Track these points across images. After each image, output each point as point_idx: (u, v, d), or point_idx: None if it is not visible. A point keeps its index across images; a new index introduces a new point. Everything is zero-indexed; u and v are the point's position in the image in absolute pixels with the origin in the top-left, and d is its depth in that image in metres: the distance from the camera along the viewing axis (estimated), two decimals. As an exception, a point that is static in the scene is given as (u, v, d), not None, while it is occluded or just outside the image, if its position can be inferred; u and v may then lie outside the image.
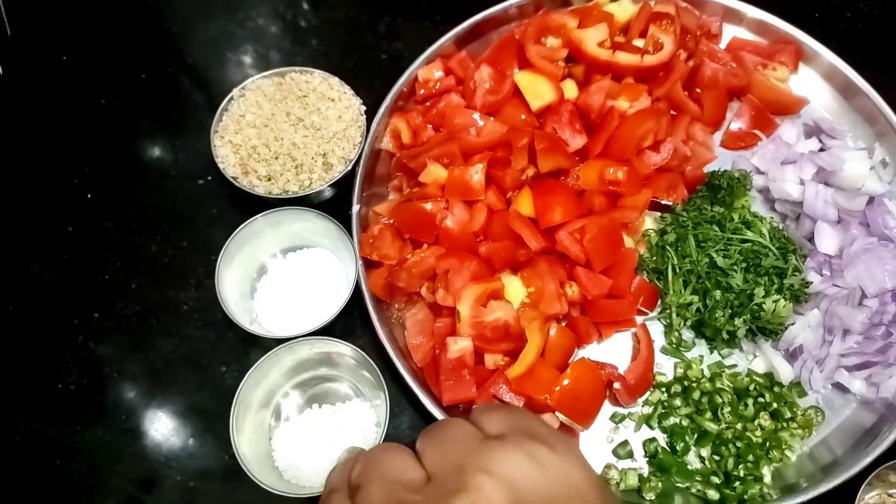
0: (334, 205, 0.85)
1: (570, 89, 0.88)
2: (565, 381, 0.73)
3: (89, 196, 0.90)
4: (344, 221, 0.81)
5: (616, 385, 0.77)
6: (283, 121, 0.84)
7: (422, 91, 0.91)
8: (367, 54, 1.00)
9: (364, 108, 0.87)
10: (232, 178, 0.82)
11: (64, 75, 0.99)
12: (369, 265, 0.81)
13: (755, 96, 0.92)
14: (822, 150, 0.89)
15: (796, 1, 1.03)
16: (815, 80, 0.95)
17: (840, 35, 1.01)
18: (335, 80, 0.88)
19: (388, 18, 1.03)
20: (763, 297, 0.76)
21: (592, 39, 0.87)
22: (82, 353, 0.82)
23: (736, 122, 0.92)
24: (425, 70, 0.91)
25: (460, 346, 0.74)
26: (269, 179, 0.82)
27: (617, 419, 0.78)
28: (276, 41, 1.02)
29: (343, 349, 0.75)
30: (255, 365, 0.72)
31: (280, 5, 1.04)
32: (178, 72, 0.99)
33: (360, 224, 0.83)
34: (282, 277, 0.83)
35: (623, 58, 0.87)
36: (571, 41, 0.88)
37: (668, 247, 0.81)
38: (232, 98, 0.86)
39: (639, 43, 0.91)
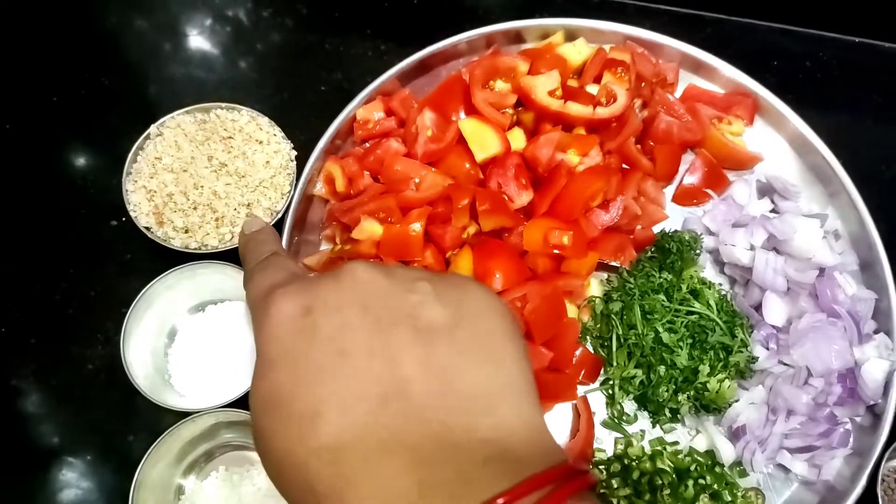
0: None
1: (518, 139, 0.83)
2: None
3: (-14, 236, 0.82)
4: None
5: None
6: (203, 166, 0.76)
7: (360, 132, 0.85)
8: (304, 84, 0.93)
9: (295, 153, 0.81)
10: (145, 228, 0.75)
11: (-36, 94, 0.90)
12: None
13: (709, 151, 0.89)
14: (774, 210, 0.86)
15: (756, 49, 1.00)
16: (770, 134, 0.92)
17: (797, 85, 0.98)
18: (264, 121, 0.81)
19: (328, 45, 0.96)
20: (708, 374, 0.73)
21: (543, 88, 0.82)
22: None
23: (689, 178, 0.88)
24: (364, 110, 0.85)
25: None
26: (187, 232, 0.75)
27: (553, 499, 0.74)
28: (205, 64, 0.94)
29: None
30: (153, 445, 0.66)
31: (214, 23, 0.96)
32: (93, 96, 0.90)
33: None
34: (197, 335, 0.77)
35: (574, 109, 0.82)
36: (521, 88, 0.83)
37: (613, 315, 0.77)
38: (148, 136, 0.79)
39: (592, 89, 0.86)
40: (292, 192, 0.77)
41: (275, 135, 0.80)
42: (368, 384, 0.32)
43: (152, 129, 0.78)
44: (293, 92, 0.92)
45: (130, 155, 0.77)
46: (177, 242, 0.74)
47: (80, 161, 0.87)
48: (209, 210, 0.75)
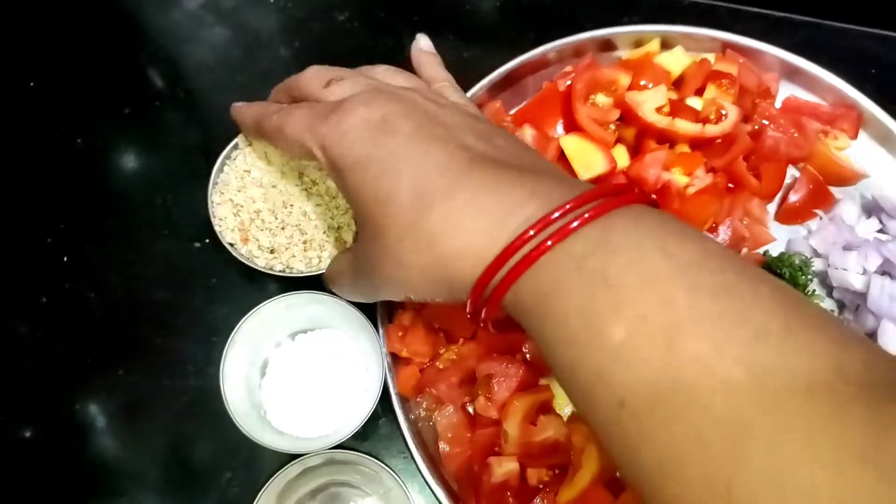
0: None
1: (622, 157, 0.79)
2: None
3: (65, 259, 0.78)
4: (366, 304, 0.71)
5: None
6: (294, 183, 0.72)
7: (453, 148, 0.81)
8: (387, 94, 0.88)
9: (390, 173, 0.77)
10: (229, 243, 0.71)
11: (31, 105, 0.85)
12: (396, 359, 0.72)
13: (813, 166, 0.84)
14: (881, 230, 0.83)
15: (852, 55, 0.95)
16: (874, 148, 0.87)
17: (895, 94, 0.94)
18: (357, 137, 0.76)
19: (409, 52, 0.91)
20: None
21: (650, 104, 0.78)
22: (61, 456, 0.71)
23: (793, 196, 0.84)
24: (458, 125, 0.80)
25: (506, 468, 0.65)
26: (272, 252, 0.71)
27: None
28: (279, 73, 0.88)
29: (362, 461, 0.66)
30: (262, 491, 0.63)
31: (287, 30, 0.91)
32: (168, 106, 0.86)
33: (384, 312, 0.73)
34: (289, 366, 0.73)
35: (682, 126, 0.78)
36: (625, 104, 0.79)
37: (727, 346, 0.73)
38: (236, 145, 0.74)
39: (694, 102, 0.82)
40: (388, 216, 0.73)
41: (369, 154, 0.76)
42: (450, 158, 0.43)
43: (239, 139, 0.74)
44: (374, 102, 0.87)
45: (217, 164, 0.72)
46: (260, 262, 0.70)
47: (158, 179, 0.82)
48: (297, 231, 0.71)
